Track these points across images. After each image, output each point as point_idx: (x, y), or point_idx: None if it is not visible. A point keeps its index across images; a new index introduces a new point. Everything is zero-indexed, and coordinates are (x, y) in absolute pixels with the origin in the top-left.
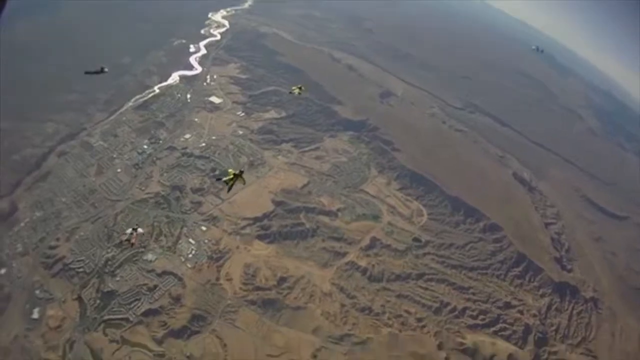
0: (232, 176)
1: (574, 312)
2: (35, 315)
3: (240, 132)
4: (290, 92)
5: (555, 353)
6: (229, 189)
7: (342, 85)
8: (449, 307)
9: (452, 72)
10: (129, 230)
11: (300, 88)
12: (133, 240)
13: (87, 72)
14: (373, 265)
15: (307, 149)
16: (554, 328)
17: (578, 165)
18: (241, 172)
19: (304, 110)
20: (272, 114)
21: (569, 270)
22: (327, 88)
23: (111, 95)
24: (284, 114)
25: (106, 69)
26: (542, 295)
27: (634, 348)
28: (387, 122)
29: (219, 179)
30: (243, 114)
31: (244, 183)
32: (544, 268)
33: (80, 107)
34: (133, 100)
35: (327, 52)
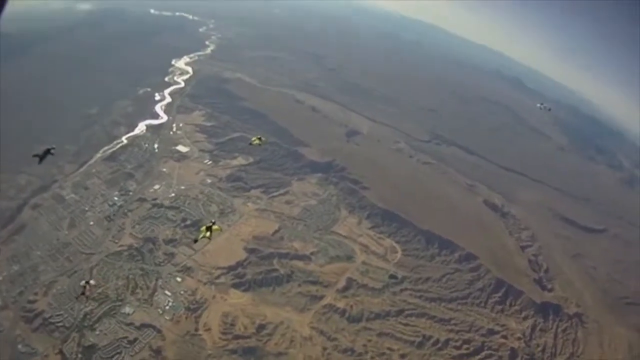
0: (205, 232)
1: (559, 330)
2: None
3: (209, 181)
4: (250, 144)
5: None
6: (210, 238)
7: (307, 128)
8: (431, 340)
9: (417, 105)
10: (82, 282)
11: (259, 139)
12: (87, 293)
13: (35, 155)
14: (351, 306)
15: (276, 194)
16: (540, 348)
17: (549, 185)
18: (213, 223)
19: (271, 155)
20: (239, 160)
21: (550, 290)
22: (293, 131)
23: (80, 146)
24: (251, 160)
25: (53, 150)
26: (525, 318)
27: (624, 357)
28: (354, 161)
29: (196, 241)
30: (210, 162)
31: (220, 230)
32: (524, 290)
33: (51, 159)
34: (102, 151)
35: (291, 94)
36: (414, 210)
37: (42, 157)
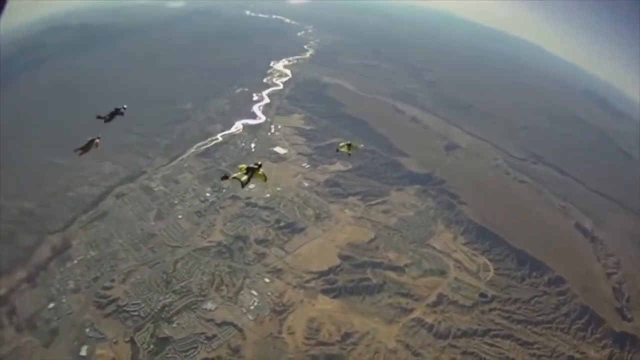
0: (243, 174)
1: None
2: (83, 353)
3: (306, 184)
4: (337, 150)
5: None
6: (244, 185)
7: (407, 137)
8: None
9: (512, 122)
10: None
11: (349, 145)
12: (90, 149)
13: (99, 117)
14: (439, 322)
15: (373, 202)
16: None
17: (636, 211)
18: (258, 165)
19: (370, 163)
20: (337, 166)
21: (630, 320)
22: (393, 140)
23: (172, 140)
24: (350, 166)
25: (123, 110)
26: (604, 347)
27: None
28: (453, 174)
29: (225, 178)
30: (308, 165)
31: (265, 179)
32: (605, 319)
33: (139, 150)
34: (195, 147)
35: (391, 103)
36: (509, 228)
37: (109, 119)
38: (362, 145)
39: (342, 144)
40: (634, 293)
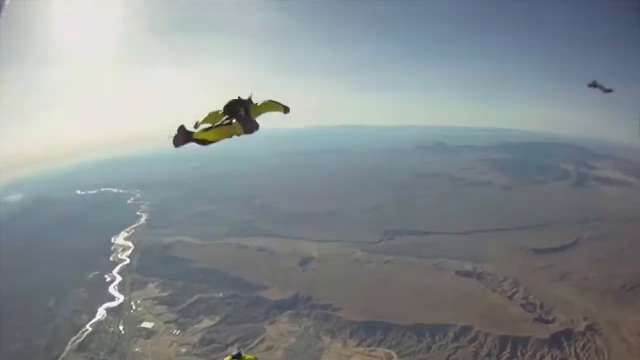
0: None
1: (578, 350)
2: None
3: (184, 350)
4: None
5: None
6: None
7: (260, 270)
8: None
9: (358, 210)
10: None
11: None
12: None
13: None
14: None
15: (253, 344)
16: None
17: (509, 228)
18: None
19: (235, 308)
20: (206, 322)
21: (553, 321)
22: (248, 278)
23: (49, 340)
24: (217, 319)
25: None
26: (542, 358)
27: None
28: (317, 287)
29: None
30: (179, 331)
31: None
32: (529, 335)
33: (27, 358)
34: (71, 343)
35: (234, 242)
36: (393, 310)
37: None
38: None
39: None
40: (545, 298)
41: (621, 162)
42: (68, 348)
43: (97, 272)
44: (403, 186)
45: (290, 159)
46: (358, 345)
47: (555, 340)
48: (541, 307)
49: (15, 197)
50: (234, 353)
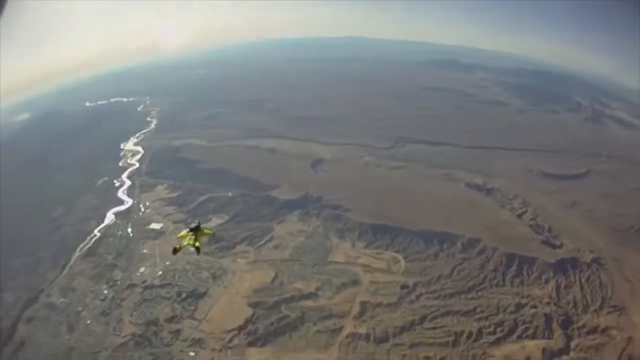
0: (189, 237)
1: (583, 280)
2: None
3: (191, 249)
4: (176, 251)
5: (584, 325)
6: (199, 248)
7: (270, 170)
8: (464, 335)
9: (368, 117)
10: None
11: (194, 233)
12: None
13: None
14: (374, 328)
15: (262, 242)
16: (571, 305)
17: (521, 148)
18: (198, 223)
19: (245, 207)
20: (214, 221)
21: (560, 246)
22: (257, 177)
23: (56, 250)
24: (226, 217)
25: None
26: (547, 281)
27: None
28: (328, 188)
29: (176, 251)
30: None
31: (213, 234)
32: (536, 256)
33: (31, 270)
34: (79, 249)
35: (243, 143)
36: (402, 215)
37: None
38: (211, 232)
39: (181, 234)
40: (553, 221)
41: (636, 107)
42: (76, 255)
43: (106, 178)
44: (414, 97)
45: (300, 64)
46: (366, 247)
47: (561, 266)
48: (549, 230)
49: (21, 117)
50: (193, 225)
